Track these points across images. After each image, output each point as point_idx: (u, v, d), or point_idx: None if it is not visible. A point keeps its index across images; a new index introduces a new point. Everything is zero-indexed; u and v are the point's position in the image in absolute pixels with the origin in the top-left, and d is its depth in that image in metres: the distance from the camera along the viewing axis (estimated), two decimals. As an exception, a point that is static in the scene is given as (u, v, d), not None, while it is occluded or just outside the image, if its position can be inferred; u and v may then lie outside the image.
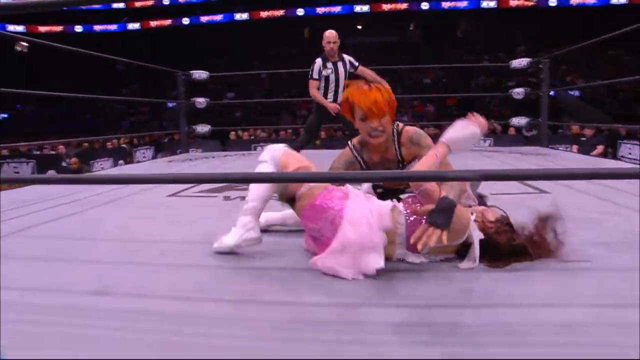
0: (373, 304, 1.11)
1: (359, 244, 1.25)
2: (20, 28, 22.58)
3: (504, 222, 1.36)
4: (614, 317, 1.02)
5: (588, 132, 6.94)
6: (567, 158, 4.00)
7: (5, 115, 19.62)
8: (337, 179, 1.42)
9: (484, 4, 20.96)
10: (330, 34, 3.82)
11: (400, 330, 0.97)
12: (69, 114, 17.93)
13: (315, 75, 3.86)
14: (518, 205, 2.15)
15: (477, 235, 1.31)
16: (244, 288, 1.22)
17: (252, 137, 9.46)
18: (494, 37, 19.47)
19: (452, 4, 21.23)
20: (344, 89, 3.23)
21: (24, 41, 21.57)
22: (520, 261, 1.31)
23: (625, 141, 7.01)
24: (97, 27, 24.69)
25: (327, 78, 3.85)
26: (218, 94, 17.42)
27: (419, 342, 0.92)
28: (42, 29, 23.57)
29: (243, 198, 2.53)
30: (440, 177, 1.20)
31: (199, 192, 2.80)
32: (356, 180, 1.53)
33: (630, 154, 6.81)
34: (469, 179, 1.00)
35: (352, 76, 3.91)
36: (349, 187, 1.46)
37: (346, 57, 3.91)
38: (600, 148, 6.82)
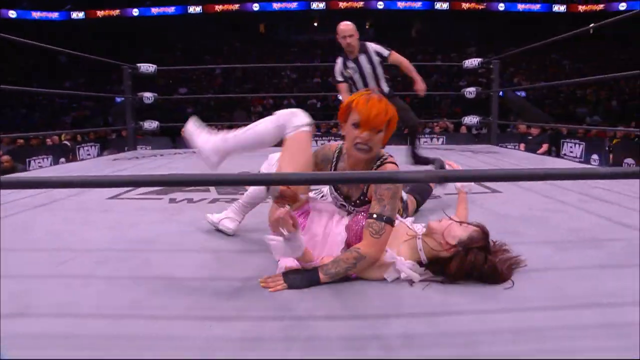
0: (321, 317, 1.03)
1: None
2: None
3: (469, 247, 1.21)
4: (569, 319, 0.99)
5: (534, 131, 7.26)
6: (516, 156, 4.13)
7: None
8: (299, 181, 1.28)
9: (437, 6, 21.57)
10: (344, 27, 3.16)
11: (352, 345, 0.90)
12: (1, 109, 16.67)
13: (339, 78, 3.33)
14: (471, 205, 2.17)
15: (401, 261, 1.24)
16: (184, 303, 1.11)
17: (206, 134, 9.14)
18: (446, 37, 20.06)
19: (407, 4, 21.69)
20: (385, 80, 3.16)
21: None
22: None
23: (567, 140, 7.41)
24: (36, 14, 23.03)
25: (351, 79, 3.31)
26: (169, 90, 16.82)
27: (372, 358, 0.85)
28: (-33, 13, 21.61)
29: (191, 200, 2.39)
30: (393, 179, 1.13)
31: (143, 193, 2.62)
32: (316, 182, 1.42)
33: (571, 152, 7.21)
34: (430, 179, 0.93)
35: (389, 66, 3.41)
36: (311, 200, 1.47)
37: (371, 47, 3.28)
38: (545, 146, 7.16)
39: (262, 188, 1.59)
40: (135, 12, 23.20)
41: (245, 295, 1.15)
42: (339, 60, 3.27)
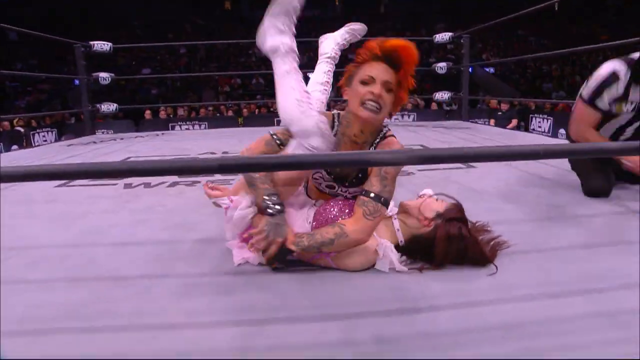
0: (284, 319, 0.90)
1: None
2: None
3: (448, 217, 1.12)
4: (560, 309, 0.90)
5: (504, 106, 7.29)
6: (489, 131, 4.09)
7: None
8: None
9: (405, -19, 21.31)
10: None
11: (319, 354, 0.78)
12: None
13: None
14: (446, 181, 2.08)
15: (387, 247, 1.11)
16: (126, 308, 0.95)
17: (171, 116, 8.77)
18: (415, 13, 19.92)
19: (375, -20, 21.32)
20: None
21: None
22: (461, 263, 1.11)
23: (536, 115, 7.49)
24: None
25: None
26: (132, 70, 16.08)
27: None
28: None
29: (148, 185, 2.21)
30: (373, 161, 0.98)
31: (95, 180, 2.41)
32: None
33: (540, 126, 7.29)
34: (403, 162, 0.80)
35: None
36: None
37: None
38: (514, 121, 7.21)
39: None
40: (91, -12, 21.90)
41: (198, 295, 1.00)
42: None
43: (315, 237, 1.06)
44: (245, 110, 9.26)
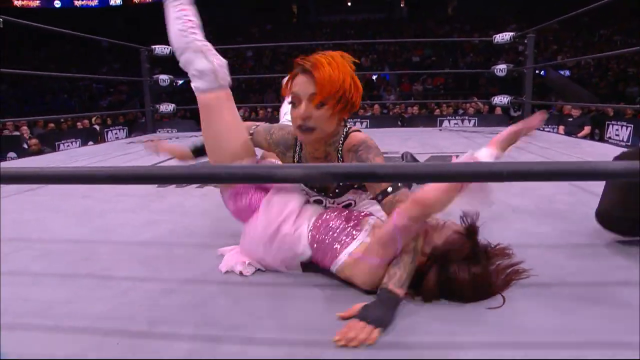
0: (241, 340, 0.83)
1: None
2: None
3: (448, 256, 0.95)
4: None
5: (576, 112, 6.69)
6: (549, 139, 3.74)
7: (-23, 95, 18.90)
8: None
9: (476, -19, 20.41)
10: None
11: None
12: (43, 94, 17.36)
13: None
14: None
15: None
16: (98, 309, 0.93)
17: (231, 117, 9.06)
18: (485, 14, 19.01)
19: (443, -20, 20.65)
20: None
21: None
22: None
23: (613, 122, 6.78)
24: (77, 3, 23.79)
25: None
26: (201, 73, 16.86)
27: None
28: (17, 3, 22.62)
29: (181, 185, 2.25)
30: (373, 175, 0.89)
31: (136, 177, 2.50)
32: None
33: (617, 135, 6.59)
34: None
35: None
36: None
37: None
38: (587, 129, 6.59)
39: None
40: (170, -4, 23.36)
41: (168, 303, 0.96)
42: None
43: (405, 263, 0.93)
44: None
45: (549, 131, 6.46)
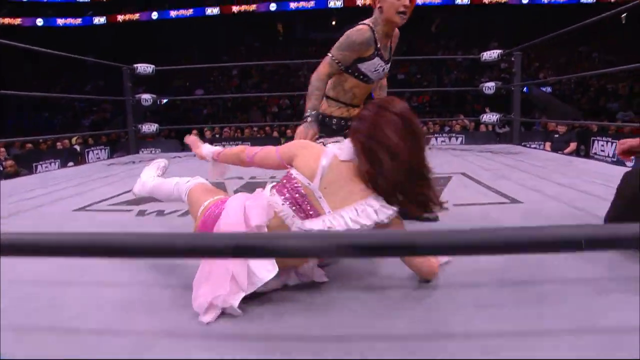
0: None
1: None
2: None
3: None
4: None
5: (562, 128, 6.74)
6: (540, 157, 3.71)
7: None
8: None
9: (458, 1, 20.86)
10: None
11: None
12: (24, 111, 17.02)
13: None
14: (484, 220, 1.81)
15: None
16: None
17: (217, 136, 8.94)
18: (468, 32, 19.40)
19: (427, -1, 21.10)
20: None
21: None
22: None
23: (598, 138, 6.85)
24: (60, 21, 23.58)
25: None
26: (186, 91, 16.78)
27: None
28: (-1, 20, 22.34)
29: (161, 212, 2.12)
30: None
31: (115, 204, 2.36)
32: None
33: (602, 150, 6.65)
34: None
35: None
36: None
37: None
38: (573, 145, 6.64)
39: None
40: (155, 15, 23.35)
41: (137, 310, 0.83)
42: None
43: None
44: (289, 131, 9.25)
45: (535, 147, 6.49)
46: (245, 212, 1.05)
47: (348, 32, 1.65)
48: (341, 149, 1.10)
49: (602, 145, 6.67)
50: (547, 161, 3.39)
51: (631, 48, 16.10)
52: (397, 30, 1.75)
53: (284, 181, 1.12)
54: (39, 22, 23.13)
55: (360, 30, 1.63)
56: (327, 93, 1.78)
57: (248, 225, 1.04)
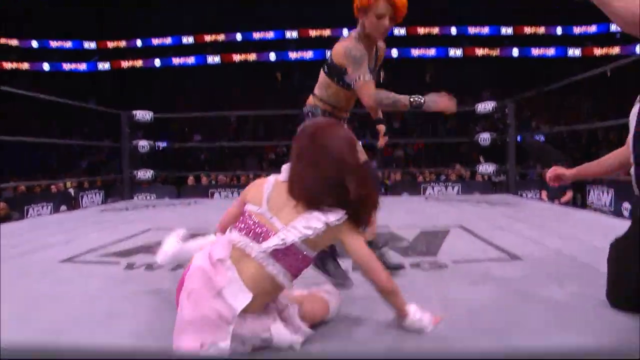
0: None
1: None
2: None
3: None
4: None
5: (556, 177, 6.76)
6: (536, 207, 3.69)
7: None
8: None
9: (451, 52, 21.73)
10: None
11: None
12: (21, 152, 17.08)
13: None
14: (485, 277, 1.74)
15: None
16: None
17: (213, 182, 8.91)
18: (461, 83, 20.02)
19: (421, 51, 21.92)
20: None
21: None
22: None
23: (593, 186, 6.87)
24: (66, 66, 24.23)
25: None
26: (185, 135, 16.98)
27: None
28: (7, 65, 22.95)
29: (150, 266, 2.03)
30: None
31: (104, 255, 2.28)
32: None
33: (599, 200, 6.65)
34: None
35: None
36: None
37: None
38: (569, 194, 6.64)
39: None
40: (157, 62, 24.06)
41: None
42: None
43: None
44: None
45: (532, 197, 6.50)
46: (209, 253, 1.12)
47: (346, 51, 1.72)
48: (282, 172, 1.22)
49: (599, 194, 6.67)
50: (543, 211, 3.37)
51: (618, 97, 16.62)
52: (382, 43, 1.88)
53: (240, 218, 1.20)
54: (46, 66, 23.79)
55: (356, 47, 1.73)
56: (314, 91, 1.91)
57: (212, 262, 1.09)
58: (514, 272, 1.80)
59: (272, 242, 1.09)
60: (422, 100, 1.77)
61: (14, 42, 23.35)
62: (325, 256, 1.70)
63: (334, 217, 1.11)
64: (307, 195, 1.13)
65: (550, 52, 21.22)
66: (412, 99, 1.77)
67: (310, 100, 1.93)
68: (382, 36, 1.79)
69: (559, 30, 21.18)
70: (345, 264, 1.75)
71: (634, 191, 1.39)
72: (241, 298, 1.04)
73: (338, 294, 1.30)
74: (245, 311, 1.05)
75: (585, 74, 3.30)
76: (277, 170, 1.27)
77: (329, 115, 1.87)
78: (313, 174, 1.14)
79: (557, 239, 2.37)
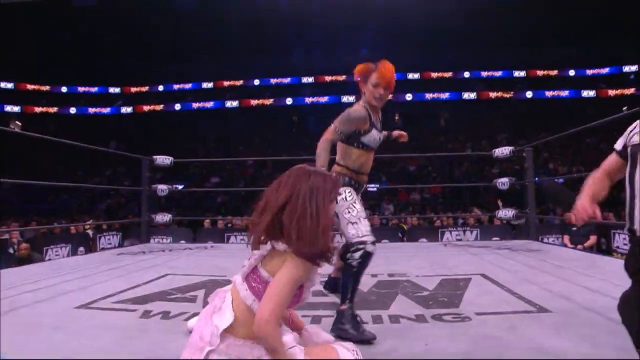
0: None
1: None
2: (16, 108, 23.37)
3: None
4: None
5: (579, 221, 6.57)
6: (561, 255, 3.56)
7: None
8: None
9: (465, 96, 21.98)
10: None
11: None
12: (46, 193, 17.53)
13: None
14: (511, 332, 1.66)
15: None
16: None
17: (229, 225, 8.91)
18: (476, 125, 20.09)
19: (435, 95, 22.24)
20: None
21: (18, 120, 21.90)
22: None
23: (618, 230, 6.64)
24: (91, 110, 25.31)
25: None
26: (202, 178, 17.23)
27: None
28: (37, 109, 24.11)
29: (167, 314, 2.00)
30: None
31: (119, 301, 2.26)
32: None
33: (625, 244, 6.41)
34: None
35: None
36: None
37: None
38: (593, 239, 6.43)
39: None
40: (178, 106, 24.93)
41: None
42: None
43: None
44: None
45: (553, 242, 6.31)
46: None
47: (348, 109, 2.02)
48: None
49: (624, 238, 6.44)
50: (569, 260, 3.24)
51: (639, 142, 16.37)
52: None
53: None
54: (72, 110, 24.92)
55: (358, 110, 2.02)
56: (338, 162, 2.11)
57: (219, 296, 1.24)
58: (542, 327, 1.71)
59: (243, 269, 1.23)
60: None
61: (46, 88, 24.68)
62: (344, 314, 1.70)
63: (282, 247, 1.20)
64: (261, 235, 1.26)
65: (564, 93, 21.32)
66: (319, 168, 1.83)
67: (336, 168, 2.09)
68: (379, 102, 2.05)
69: (571, 73, 21.38)
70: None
71: None
72: (224, 320, 1.14)
73: (356, 353, 1.24)
74: (237, 335, 1.14)
75: (601, 121, 3.28)
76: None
77: (354, 181, 2.06)
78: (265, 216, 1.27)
79: (585, 291, 2.27)
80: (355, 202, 1.93)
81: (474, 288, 2.39)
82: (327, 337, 1.32)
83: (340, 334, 1.62)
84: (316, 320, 1.89)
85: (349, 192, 1.96)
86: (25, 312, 2.04)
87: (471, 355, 1.42)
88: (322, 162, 1.91)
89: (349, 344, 1.26)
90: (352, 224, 1.84)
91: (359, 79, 2.07)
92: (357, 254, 1.78)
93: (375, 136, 2.07)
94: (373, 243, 1.82)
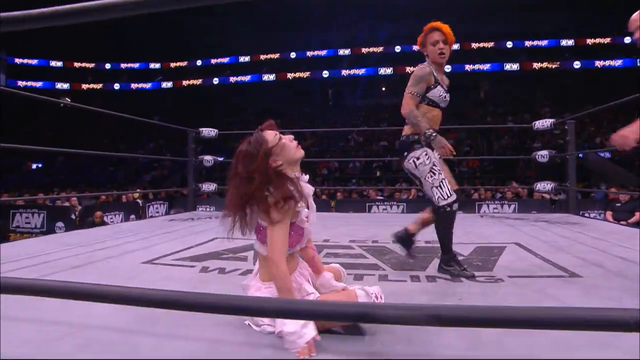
0: None
1: None
2: (65, 86, 24.69)
3: None
4: None
5: (624, 196, 6.42)
6: (600, 228, 3.56)
7: (40, 165, 20.65)
8: None
9: (507, 67, 21.09)
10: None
11: None
12: (93, 166, 18.49)
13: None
14: (540, 294, 1.77)
15: None
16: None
17: (266, 194, 9.18)
18: (518, 98, 19.38)
19: (475, 66, 21.48)
20: None
21: (67, 97, 23.04)
22: None
23: (666, 207, 6.43)
24: (134, 85, 26.27)
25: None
26: (240, 150, 17.60)
27: None
28: (85, 86, 25.33)
29: (223, 270, 2.23)
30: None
31: (180, 259, 2.52)
32: None
33: (674, 221, 6.21)
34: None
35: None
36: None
37: None
38: (638, 215, 6.27)
39: None
40: (216, 80, 25.40)
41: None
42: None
43: None
44: (339, 194, 9.35)
45: (594, 217, 6.20)
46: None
47: (414, 71, 2.16)
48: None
49: (673, 216, 6.24)
50: (608, 234, 3.25)
51: (697, 114, 15.34)
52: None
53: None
54: (116, 86, 26.00)
55: (422, 68, 2.14)
56: (407, 122, 2.20)
57: None
58: (571, 291, 1.81)
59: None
60: (432, 137, 2.07)
61: (91, 65, 25.77)
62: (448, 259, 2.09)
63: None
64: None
65: (617, 62, 20.09)
66: (427, 131, 2.07)
67: (406, 129, 2.19)
68: (443, 58, 2.17)
69: (627, 40, 20.02)
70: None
71: None
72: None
73: (375, 296, 1.34)
74: (263, 279, 1.41)
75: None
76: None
77: (424, 140, 2.14)
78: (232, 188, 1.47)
79: (619, 260, 2.32)
80: (434, 165, 2.09)
81: (508, 255, 2.50)
82: (337, 285, 1.52)
83: (448, 273, 2.04)
84: (358, 277, 2.07)
85: (425, 156, 2.09)
86: (101, 266, 2.33)
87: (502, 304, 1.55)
88: (425, 125, 2.07)
89: (374, 288, 1.37)
90: (436, 187, 2.08)
91: (421, 47, 2.22)
92: (446, 215, 2.07)
93: (441, 93, 2.16)
94: (456, 201, 2.09)
